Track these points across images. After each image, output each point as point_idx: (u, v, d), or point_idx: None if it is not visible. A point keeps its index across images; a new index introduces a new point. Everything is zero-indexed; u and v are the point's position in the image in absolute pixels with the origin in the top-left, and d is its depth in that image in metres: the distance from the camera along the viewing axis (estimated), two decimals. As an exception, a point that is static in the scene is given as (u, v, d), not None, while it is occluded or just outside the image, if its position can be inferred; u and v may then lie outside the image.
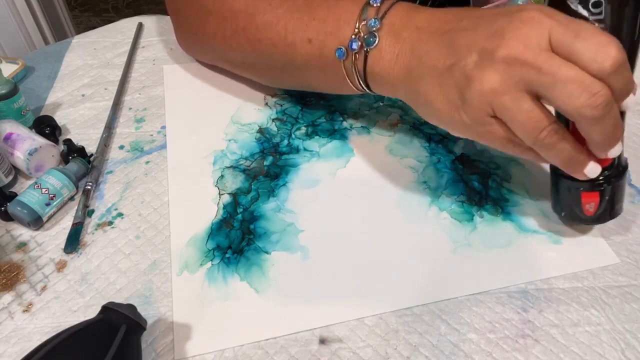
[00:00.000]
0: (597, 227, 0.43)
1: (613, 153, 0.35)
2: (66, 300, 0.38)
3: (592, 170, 0.35)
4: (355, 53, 0.41)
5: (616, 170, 0.38)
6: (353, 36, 0.41)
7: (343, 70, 0.42)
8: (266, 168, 0.48)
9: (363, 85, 0.43)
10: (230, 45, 0.50)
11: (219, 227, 0.43)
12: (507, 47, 0.32)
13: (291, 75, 0.49)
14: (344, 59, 0.42)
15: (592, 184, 0.38)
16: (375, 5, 0.40)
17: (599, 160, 0.35)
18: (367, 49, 0.40)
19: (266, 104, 0.55)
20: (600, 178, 0.37)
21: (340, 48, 0.42)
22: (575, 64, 0.31)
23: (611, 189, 0.38)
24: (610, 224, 0.43)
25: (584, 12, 0.35)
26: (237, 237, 0.42)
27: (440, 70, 0.36)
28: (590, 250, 0.41)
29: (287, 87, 0.56)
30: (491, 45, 0.33)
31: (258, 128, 0.52)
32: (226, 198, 0.45)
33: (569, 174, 0.36)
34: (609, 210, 0.39)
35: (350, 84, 0.43)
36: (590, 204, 0.38)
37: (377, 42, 0.39)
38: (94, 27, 0.68)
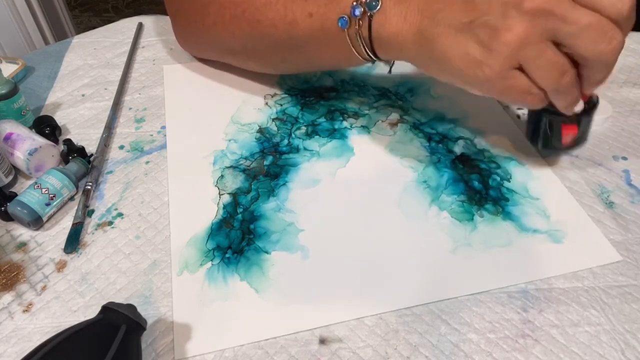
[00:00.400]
0: (597, 226, 0.43)
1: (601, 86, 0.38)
2: (66, 300, 0.38)
3: (579, 105, 0.40)
4: (359, 20, 0.41)
5: (589, 105, 0.43)
6: (354, 3, 0.41)
7: (347, 40, 0.43)
8: (266, 168, 0.48)
9: (369, 53, 0.43)
10: (232, 31, 0.50)
11: (219, 227, 0.43)
12: None
13: (294, 54, 0.49)
14: (347, 27, 0.42)
15: (572, 118, 0.42)
16: None
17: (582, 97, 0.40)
18: (370, 14, 0.40)
19: (266, 103, 0.55)
20: (578, 112, 0.42)
21: (343, 17, 0.42)
22: (593, 9, 0.33)
23: (586, 121, 0.44)
24: (611, 223, 0.43)
25: None
26: (237, 237, 0.42)
27: (458, 28, 0.36)
28: (591, 249, 0.41)
29: (289, 71, 0.56)
30: None
31: (258, 128, 0.52)
32: (226, 198, 0.45)
33: (562, 110, 0.39)
34: (581, 139, 0.45)
35: (356, 53, 0.43)
36: (568, 134, 0.44)
37: (380, 5, 0.40)
38: (94, 27, 0.68)
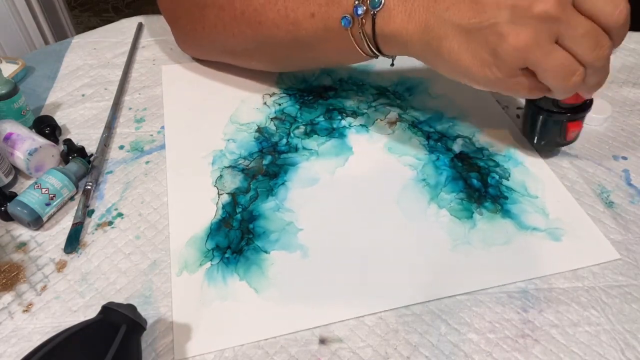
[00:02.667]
0: (597, 225, 0.43)
1: (595, 94, 0.41)
2: (66, 300, 0.38)
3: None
4: (362, 18, 0.41)
5: (589, 103, 0.45)
6: (356, 2, 0.41)
7: (351, 38, 0.43)
8: (265, 167, 0.48)
9: (373, 49, 0.43)
10: (232, 33, 0.49)
11: (218, 227, 0.43)
12: (542, 4, 0.33)
13: (297, 52, 0.49)
14: (351, 26, 0.42)
15: (576, 115, 0.45)
16: None
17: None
18: (374, 12, 0.40)
19: (264, 103, 0.55)
20: (582, 109, 0.45)
21: (346, 16, 0.42)
22: (590, 16, 0.34)
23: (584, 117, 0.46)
24: (611, 223, 0.43)
25: None
26: (236, 237, 0.42)
27: (466, 29, 0.36)
28: (590, 247, 0.41)
29: (292, 69, 0.56)
30: (524, 2, 0.34)
31: (257, 127, 0.52)
32: (225, 198, 0.45)
33: (561, 98, 0.40)
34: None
35: (360, 50, 0.43)
36: (574, 131, 0.46)
37: (383, 2, 0.40)
38: (94, 27, 0.68)
